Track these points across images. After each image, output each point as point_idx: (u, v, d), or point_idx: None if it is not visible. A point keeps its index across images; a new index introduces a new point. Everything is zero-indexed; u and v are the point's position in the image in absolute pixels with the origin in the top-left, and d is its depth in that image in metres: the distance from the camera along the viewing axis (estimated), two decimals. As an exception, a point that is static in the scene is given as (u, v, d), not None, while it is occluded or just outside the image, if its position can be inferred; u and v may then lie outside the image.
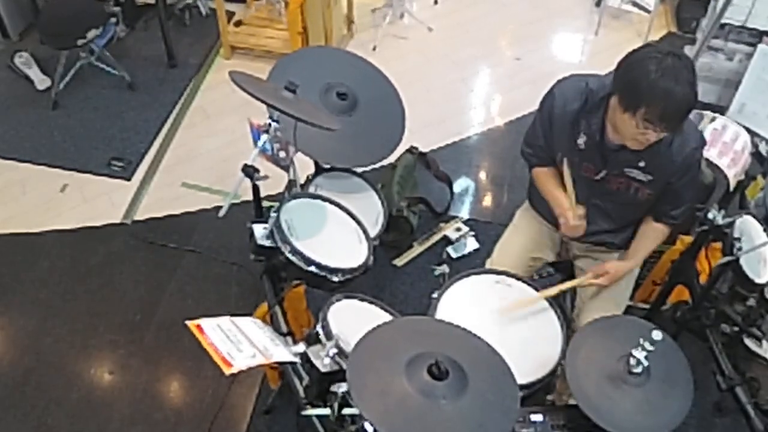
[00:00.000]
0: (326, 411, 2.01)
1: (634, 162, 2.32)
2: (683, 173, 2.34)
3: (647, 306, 3.05)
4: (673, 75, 2.02)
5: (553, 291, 2.46)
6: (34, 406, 3.09)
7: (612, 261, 2.54)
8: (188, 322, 1.94)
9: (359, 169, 3.00)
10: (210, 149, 4.28)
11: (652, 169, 2.32)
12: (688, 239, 2.86)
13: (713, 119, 3.09)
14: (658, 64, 2.04)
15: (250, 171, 2.37)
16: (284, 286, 2.63)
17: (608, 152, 2.34)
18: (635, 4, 5.30)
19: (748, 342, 2.98)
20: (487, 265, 2.72)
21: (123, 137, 4.34)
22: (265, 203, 2.62)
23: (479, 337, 1.98)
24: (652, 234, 2.53)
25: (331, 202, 2.66)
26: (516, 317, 2.39)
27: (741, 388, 2.48)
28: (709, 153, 2.94)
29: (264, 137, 2.41)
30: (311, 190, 2.81)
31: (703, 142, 2.36)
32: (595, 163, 2.39)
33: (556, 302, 2.46)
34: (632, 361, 1.94)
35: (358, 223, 2.65)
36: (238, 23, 4.96)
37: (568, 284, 2.55)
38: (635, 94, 2.08)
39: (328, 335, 2.11)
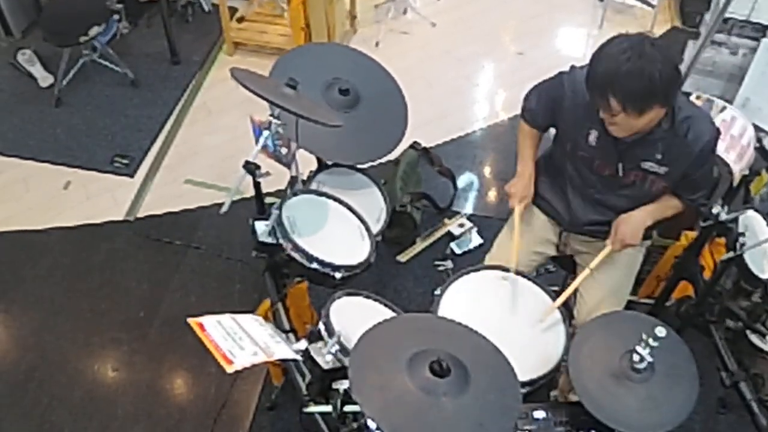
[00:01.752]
0: (328, 408, 2.01)
1: (651, 155, 2.31)
2: (700, 164, 2.33)
3: (651, 301, 3.04)
4: (610, 63, 2.07)
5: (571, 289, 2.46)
6: (37, 403, 3.09)
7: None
8: (189, 320, 1.94)
9: (362, 166, 2.99)
10: (212, 146, 4.28)
11: (669, 160, 2.30)
12: (692, 235, 2.84)
13: (723, 108, 3.07)
14: (603, 58, 2.11)
15: (251, 168, 2.36)
16: (287, 282, 2.62)
17: (623, 147, 2.32)
18: (639, -1, 5.28)
19: (753, 337, 2.97)
20: (488, 258, 2.72)
21: (126, 134, 4.34)
22: (268, 200, 2.62)
23: (482, 335, 1.97)
24: (668, 202, 2.48)
25: (334, 199, 2.66)
26: (518, 313, 2.39)
27: (745, 383, 2.47)
28: (717, 147, 2.92)
29: (265, 134, 2.40)
30: (313, 186, 2.80)
31: (718, 132, 2.33)
32: (609, 159, 2.37)
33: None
34: (635, 358, 1.93)
35: (361, 219, 2.64)
36: (241, 19, 4.95)
37: (593, 263, 2.46)
38: (589, 87, 2.18)
39: (330, 332, 2.10)
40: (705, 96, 3.04)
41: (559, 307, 2.40)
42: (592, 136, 2.35)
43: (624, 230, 2.41)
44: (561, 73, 2.46)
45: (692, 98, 3.02)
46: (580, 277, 2.48)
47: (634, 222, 2.43)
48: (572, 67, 2.43)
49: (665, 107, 2.16)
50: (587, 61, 2.19)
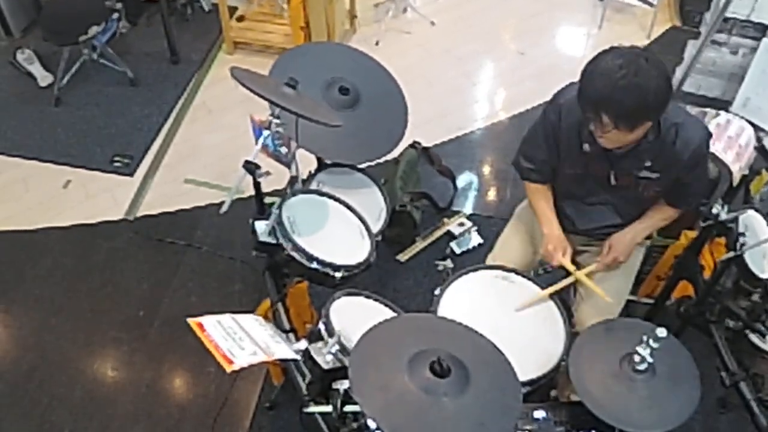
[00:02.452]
0: (328, 408, 2.01)
1: (641, 164, 2.33)
2: (691, 168, 2.34)
3: (651, 301, 3.04)
4: (605, 80, 2.05)
5: (562, 285, 2.48)
6: (37, 403, 3.09)
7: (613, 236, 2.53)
8: (189, 320, 1.94)
9: (362, 165, 2.99)
10: (212, 145, 4.27)
11: (660, 167, 2.32)
12: (692, 234, 2.84)
13: (716, 115, 3.08)
14: (597, 74, 2.08)
15: (251, 167, 2.36)
16: (287, 282, 2.62)
17: (614, 158, 2.34)
18: (639, -2, 5.28)
19: (753, 337, 2.97)
20: (489, 260, 2.72)
21: (125, 133, 4.33)
22: (268, 199, 2.61)
23: (482, 335, 1.97)
24: (660, 212, 2.52)
25: (334, 198, 2.66)
26: (518, 313, 2.38)
27: (745, 383, 2.47)
28: (714, 147, 2.92)
29: (265, 133, 2.40)
30: (313, 186, 2.80)
31: (709, 135, 2.34)
32: (602, 166, 2.39)
33: (559, 297, 2.45)
34: (636, 359, 1.93)
35: (361, 219, 2.64)
36: (241, 18, 4.95)
37: (580, 272, 2.51)
38: (582, 103, 2.16)
39: (330, 332, 2.10)
40: (698, 109, 3.06)
41: (559, 307, 2.40)
42: (586, 146, 2.36)
43: (617, 249, 2.48)
44: (545, 109, 2.45)
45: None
46: (567, 281, 2.51)
47: (627, 241, 2.50)
48: (556, 95, 2.42)
49: (654, 121, 2.17)
50: (585, 60, 2.17)
